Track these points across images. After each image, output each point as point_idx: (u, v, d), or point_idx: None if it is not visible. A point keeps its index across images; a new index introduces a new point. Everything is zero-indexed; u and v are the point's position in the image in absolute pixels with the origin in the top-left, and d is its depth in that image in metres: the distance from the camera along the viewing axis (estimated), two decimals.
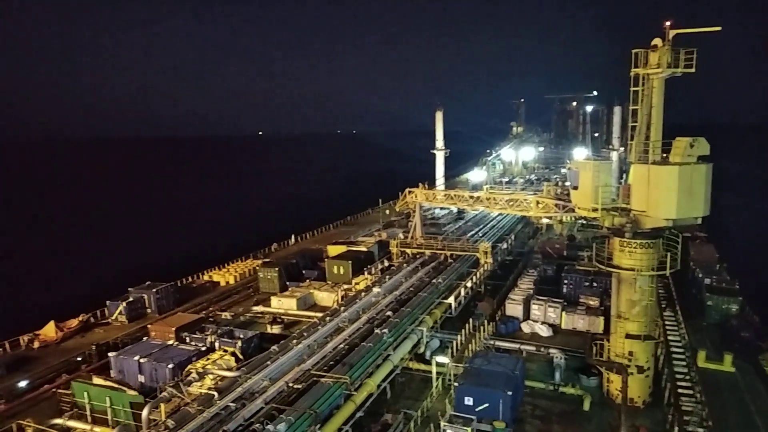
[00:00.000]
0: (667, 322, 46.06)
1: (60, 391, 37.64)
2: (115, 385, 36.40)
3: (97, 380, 37.83)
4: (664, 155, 33.73)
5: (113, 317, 52.11)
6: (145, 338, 44.11)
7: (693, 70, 33.24)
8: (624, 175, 35.67)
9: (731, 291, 49.81)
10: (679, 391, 35.28)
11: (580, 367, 39.25)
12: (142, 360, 38.03)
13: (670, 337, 43.29)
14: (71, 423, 34.26)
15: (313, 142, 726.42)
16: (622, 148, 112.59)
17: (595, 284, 52.83)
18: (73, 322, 50.14)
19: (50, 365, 42.88)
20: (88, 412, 34.77)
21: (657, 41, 33.15)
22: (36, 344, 46.80)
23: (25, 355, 45.44)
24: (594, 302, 49.69)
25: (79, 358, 43.84)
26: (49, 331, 48.04)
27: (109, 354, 40.16)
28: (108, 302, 53.16)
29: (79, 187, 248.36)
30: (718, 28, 32.09)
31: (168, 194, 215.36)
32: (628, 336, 35.08)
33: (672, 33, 32.86)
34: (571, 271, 55.49)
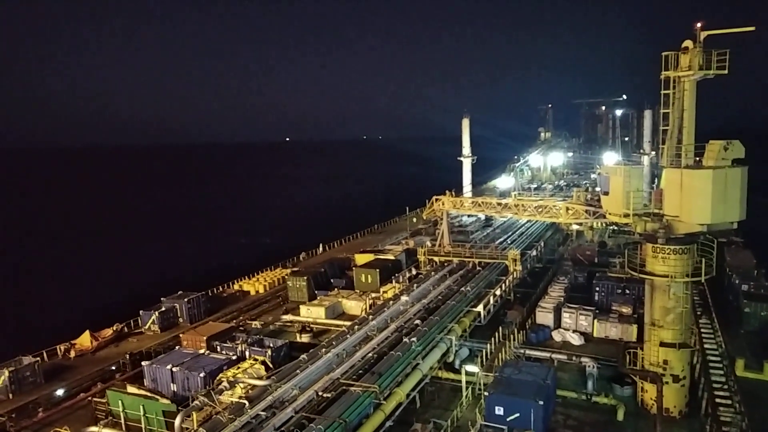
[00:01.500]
0: (702, 330, 44.89)
1: (95, 399, 38.46)
2: (149, 394, 37.06)
3: (131, 389, 38.56)
4: (697, 159, 33.03)
5: (146, 327, 52.95)
6: (177, 347, 44.77)
7: (726, 71, 32.46)
8: (656, 180, 35.06)
9: None
10: (717, 401, 34.29)
11: (613, 377, 38.52)
12: (174, 369, 38.57)
13: (706, 346, 42.16)
14: (106, 431, 34.83)
15: (340, 149, 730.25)
16: (654, 153, 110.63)
17: (627, 291, 51.86)
18: (108, 332, 51.16)
19: (86, 374, 43.79)
20: (122, 420, 35.39)
21: (688, 43, 32.51)
22: (72, 353, 47.83)
23: (62, 364, 46.46)
24: (627, 310, 48.77)
25: (113, 367, 44.76)
26: (85, 340, 49.06)
27: (143, 363, 40.86)
28: (141, 312, 53.98)
29: (111, 196, 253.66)
30: (752, 28, 31.38)
31: (197, 203, 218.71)
32: (662, 344, 34.29)
33: (703, 34, 32.20)
34: (603, 278, 54.59)
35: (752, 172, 31.82)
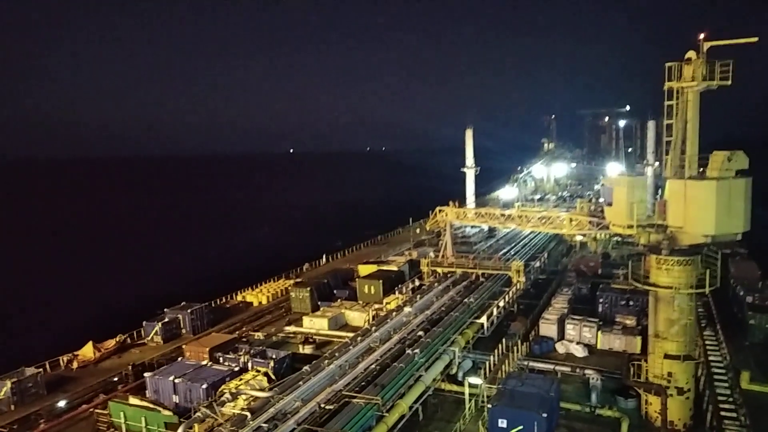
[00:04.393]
0: (707, 342, 44.66)
1: (97, 410, 38.35)
2: (151, 405, 36.91)
3: (133, 400, 38.40)
4: (701, 170, 33.01)
5: (149, 338, 52.88)
6: (179, 358, 44.70)
7: (729, 82, 32.50)
8: (659, 191, 35.00)
9: None
10: (722, 414, 34.06)
11: (617, 389, 38.28)
12: (176, 380, 38.47)
13: (711, 358, 41.95)
14: None
15: (344, 160, 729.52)
16: (657, 163, 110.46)
17: (631, 303, 51.62)
18: (111, 343, 51.09)
19: (88, 385, 43.68)
20: None
21: (691, 54, 32.58)
22: (75, 364, 47.73)
23: (65, 375, 46.35)
24: (630, 321, 48.54)
25: (115, 378, 44.64)
26: (88, 351, 49.00)
27: (145, 374, 40.77)
28: (144, 323, 53.94)
29: (114, 206, 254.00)
30: (755, 39, 31.42)
31: (200, 213, 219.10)
32: (666, 356, 34.11)
33: (706, 45, 32.29)
34: (607, 289, 54.38)
35: (756, 183, 31.80)
